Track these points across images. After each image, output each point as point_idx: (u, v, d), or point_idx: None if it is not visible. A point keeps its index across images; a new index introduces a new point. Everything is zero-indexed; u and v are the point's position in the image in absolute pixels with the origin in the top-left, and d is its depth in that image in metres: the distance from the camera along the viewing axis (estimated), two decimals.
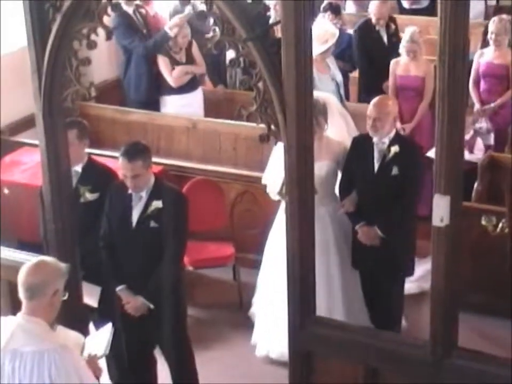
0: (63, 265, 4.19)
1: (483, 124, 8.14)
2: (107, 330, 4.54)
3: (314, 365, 4.84)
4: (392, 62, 8.29)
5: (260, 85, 4.42)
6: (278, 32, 4.49)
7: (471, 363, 4.43)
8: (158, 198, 5.37)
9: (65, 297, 4.18)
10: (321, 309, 5.54)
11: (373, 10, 8.93)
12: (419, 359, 4.52)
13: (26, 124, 7.88)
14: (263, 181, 6.43)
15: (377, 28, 8.91)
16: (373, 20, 8.91)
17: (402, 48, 8.21)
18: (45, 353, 3.93)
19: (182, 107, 8.71)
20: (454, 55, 3.99)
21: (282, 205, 5.95)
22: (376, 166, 5.98)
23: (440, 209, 4.21)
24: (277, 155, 6.06)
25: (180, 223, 5.41)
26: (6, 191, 7.73)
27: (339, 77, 8.06)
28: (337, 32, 8.03)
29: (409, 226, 6.07)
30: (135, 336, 5.56)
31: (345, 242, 6.16)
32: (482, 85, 8.37)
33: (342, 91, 8.07)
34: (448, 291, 4.36)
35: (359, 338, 4.69)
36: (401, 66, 8.26)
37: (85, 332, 5.55)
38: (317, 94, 5.56)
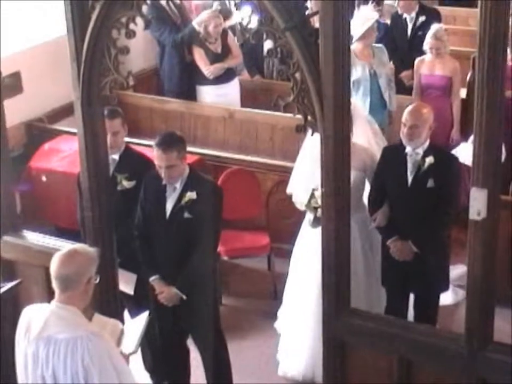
0: (93, 251, 4.21)
1: None
2: (142, 321, 4.53)
3: (347, 355, 4.83)
4: (417, 60, 8.16)
5: (297, 75, 4.41)
6: (316, 22, 4.47)
7: (506, 357, 4.40)
8: (192, 189, 5.37)
9: (97, 281, 4.20)
10: None
11: None
12: (454, 352, 4.50)
13: (65, 111, 7.95)
14: (288, 190, 6.19)
15: (404, 17, 8.88)
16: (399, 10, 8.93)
17: (426, 45, 8.07)
18: (78, 340, 3.95)
19: (218, 97, 8.72)
20: (494, 47, 3.96)
21: (307, 218, 5.90)
22: (410, 178, 5.67)
23: (477, 203, 4.18)
24: (303, 164, 5.99)
25: (214, 214, 5.40)
26: (44, 178, 7.81)
27: (382, 70, 7.94)
28: (374, 16, 7.95)
29: (444, 241, 5.82)
30: (168, 325, 5.58)
31: (372, 254, 5.97)
32: None
33: (382, 84, 7.97)
34: (485, 284, 4.33)
35: (394, 330, 4.68)
36: (426, 64, 8.11)
37: (120, 320, 5.61)
38: None
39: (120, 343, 4.35)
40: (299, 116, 4.53)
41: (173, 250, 5.40)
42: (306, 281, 5.93)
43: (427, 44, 8.03)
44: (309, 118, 4.49)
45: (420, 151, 5.65)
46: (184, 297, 5.39)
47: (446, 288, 6.02)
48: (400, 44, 8.91)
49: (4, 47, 7.21)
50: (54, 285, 4.07)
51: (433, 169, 5.61)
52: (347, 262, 4.70)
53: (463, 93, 8.39)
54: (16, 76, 7.98)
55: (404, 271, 5.70)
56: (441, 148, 6.03)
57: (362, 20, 7.84)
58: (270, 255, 7.20)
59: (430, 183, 5.60)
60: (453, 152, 7.37)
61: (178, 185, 5.40)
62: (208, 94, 8.74)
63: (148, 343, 5.82)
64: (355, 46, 7.79)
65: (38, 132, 8.36)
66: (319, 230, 5.69)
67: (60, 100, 8.08)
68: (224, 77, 8.67)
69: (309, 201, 5.73)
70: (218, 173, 7.29)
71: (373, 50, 8.00)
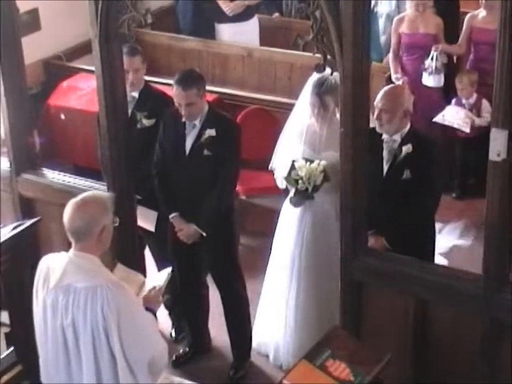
0: (106, 198, 4.12)
1: (433, 62, 7.41)
2: (164, 276, 4.50)
3: (364, 295, 4.86)
4: (396, 19, 7.69)
5: (317, 13, 4.36)
6: None
7: None
8: (212, 126, 5.36)
9: (117, 224, 4.16)
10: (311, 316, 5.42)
11: None
12: (471, 293, 4.51)
13: (83, 49, 7.91)
14: (271, 165, 5.74)
15: None
16: None
17: (409, 2, 7.56)
18: (98, 288, 3.92)
19: (237, 35, 8.63)
20: None
21: (287, 198, 5.56)
22: (386, 167, 5.14)
23: (498, 143, 4.15)
24: (287, 138, 5.68)
25: (232, 151, 5.41)
26: (62, 116, 7.82)
27: (385, 9, 7.76)
28: None
29: (423, 239, 5.22)
30: (187, 262, 5.63)
31: None
32: (475, 53, 7.60)
33: (381, 25, 7.80)
34: (503, 226, 4.32)
35: (411, 270, 4.69)
36: (406, 23, 7.59)
37: (139, 258, 5.65)
38: (328, 71, 5.05)
39: (140, 295, 4.34)
40: (318, 55, 4.49)
41: (192, 188, 5.41)
42: (286, 270, 5.64)
43: (411, 1, 7.52)
44: (328, 57, 4.45)
45: (398, 137, 5.11)
46: (204, 234, 5.42)
47: None
48: None
49: None
50: (68, 236, 4.05)
51: (410, 159, 5.07)
52: (364, 202, 4.69)
53: None
54: (34, 13, 7.94)
55: None
56: (422, 135, 5.33)
57: None
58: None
59: (406, 174, 5.06)
60: (440, 115, 7.32)
61: (198, 123, 5.39)
62: (227, 32, 8.66)
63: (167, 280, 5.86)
64: None
65: (56, 70, 8.34)
66: (300, 212, 5.48)
67: (78, 37, 8.03)
68: (243, 15, 8.57)
69: (289, 173, 5.34)
70: (236, 112, 7.26)
71: None
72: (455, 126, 7.28)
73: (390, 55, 7.74)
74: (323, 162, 5.23)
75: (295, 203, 5.45)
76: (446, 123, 7.31)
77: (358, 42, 4.33)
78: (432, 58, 7.41)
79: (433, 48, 7.45)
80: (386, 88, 5.33)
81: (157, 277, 4.58)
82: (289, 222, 5.62)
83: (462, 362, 4.67)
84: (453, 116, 7.31)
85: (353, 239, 4.74)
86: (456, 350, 4.69)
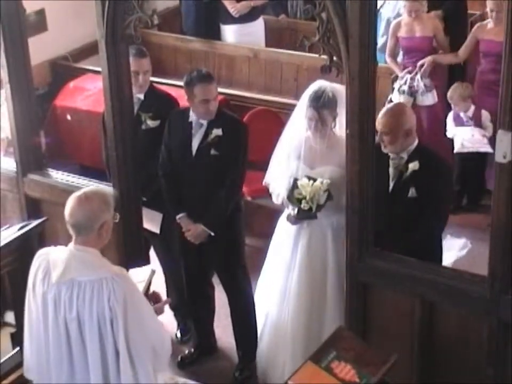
0: (108, 194, 4.14)
1: (421, 83, 7.36)
2: (146, 274, 4.46)
3: (370, 296, 4.86)
4: (394, 22, 7.67)
5: (323, 15, 4.36)
6: None
7: None
8: (218, 126, 5.37)
9: (117, 220, 4.17)
10: (313, 333, 5.31)
11: None
12: (477, 295, 4.51)
13: (89, 50, 7.93)
14: (266, 180, 5.58)
15: None
16: None
17: (402, 8, 7.61)
18: (103, 281, 3.93)
19: (243, 36, 8.64)
20: None
21: (284, 214, 5.44)
22: (391, 184, 5.00)
23: (504, 145, 4.14)
24: (281, 153, 5.52)
25: (239, 151, 5.41)
26: (68, 117, 7.83)
27: (387, 13, 7.76)
28: None
29: (430, 257, 4.99)
30: (194, 262, 5.63)
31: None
32: (484, 64, 7.40)
33: (380, 27, 7.75)
34: (509, 228, 4.32)
35: (417, 272, 4.68)
36: (403, 27, 7.56)
37: (145, 258, 5.65)
38: (326, 84, 5.11)
39: None
40: (324, 56, 4.49)
41: (199, 188, 5.41)
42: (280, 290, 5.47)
43: (404, 7, 7.55)
44: (335, 58, 4.45)
45: (404, 155, 4.97)
46: (212, 234, 5.42)
47: None
48: None
49: None
50: (68, 228, 4.06)
51: (417, 177, 4.92)
52: (370, 204, 4.69)
53: None
54: (40, 14, 7.96)
55: None
56: (430, 152, 5.15)
57: None
58: None
59: (412, 192, 4.91)
60: (458, 145, 7.18)
61: (205, 122, 5.40)
62: (233, 33, 8.67)
63: (173, 280, 5.87)
64: None
65: (63, 70, 8.36)
66: (297, 229, 5.30)
67: (85, 38, 8.06)
68: (249, 16, 8.58)
69: (292, 192, 5.16)
70: (242, 113, 7.27)
71: None
72: (480, 150, 7.14)
73: (387, 58, 7.72)
74: (326, 181, 5.07)
75: (295, 222, 5.30)
76: (468, 150, 7.21)
77: (364, 44, 4.33)
78: (418, 81, 7.39)
79: (417, 67, 7.43)
80: (387, 108, 5.12)
81: (140, 272, 4.57)
82: (285, 236, 5.48)
83: (468, 363, 4.67)
84: (470, 140, 7.19)
85: (359, 240, 4.74)
86: (462, 351, 4.68)
